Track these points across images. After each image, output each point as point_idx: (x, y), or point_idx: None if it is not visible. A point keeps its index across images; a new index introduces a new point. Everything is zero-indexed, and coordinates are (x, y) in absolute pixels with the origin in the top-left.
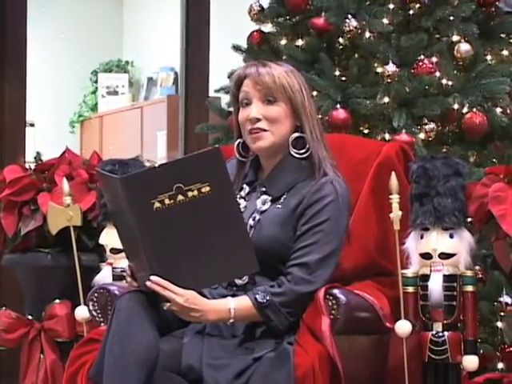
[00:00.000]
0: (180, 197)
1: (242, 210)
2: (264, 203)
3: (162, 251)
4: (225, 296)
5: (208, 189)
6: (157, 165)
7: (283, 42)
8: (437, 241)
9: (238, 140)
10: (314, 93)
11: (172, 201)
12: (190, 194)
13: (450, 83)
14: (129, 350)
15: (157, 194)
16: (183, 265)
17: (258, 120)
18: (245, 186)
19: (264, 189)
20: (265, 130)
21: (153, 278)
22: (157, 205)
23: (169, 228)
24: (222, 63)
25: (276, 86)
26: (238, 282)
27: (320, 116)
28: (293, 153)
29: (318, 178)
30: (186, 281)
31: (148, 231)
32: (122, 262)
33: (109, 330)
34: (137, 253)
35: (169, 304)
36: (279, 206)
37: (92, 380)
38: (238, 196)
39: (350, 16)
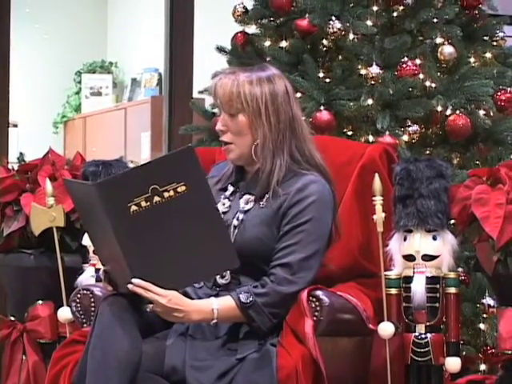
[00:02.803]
0: (156, 198)
1: (226, 209)
2: (247, 203)
3: (141, 253)
4: (210, 295)
5: (184, 188)
6: (130, 167)
7: (267, 43)
8: (420, 243)
9: None
10: (298, 94)
11: (148, 203)
12: (166, 194)
13: (433, 85)
14: (111, 355)
15: (132, 197)
16: (164, 265)
17: (223, 132)
18: (229, 186)
19: (247, 188)
20: (230, 143)
21: (134, 280)
22: (133, 208)
23: (147, 230)
24: (206, 64)
25: (226, 98)
26: (222, 281)
27: (304, 118)
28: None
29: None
30: (167, 281)
31: (126, 235)
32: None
33: (91, 334)
34: (114, 257)
35: (152, 305)
36: (262, 205)
37: None
38: (223, 196)
39: (333, 18)
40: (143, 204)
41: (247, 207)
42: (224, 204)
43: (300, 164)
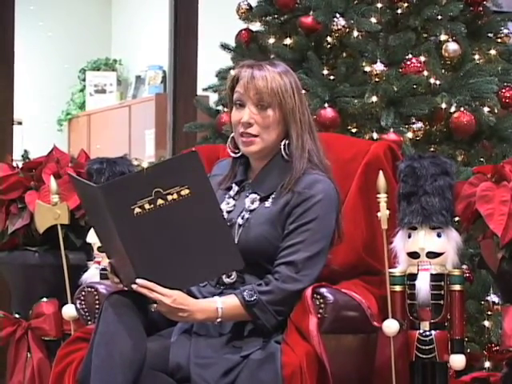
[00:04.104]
0: (160, 201)
1: (231, 209)
2: (253, 202)
3: (145, 254)
4: (213, 294)
5: (187, 191)
6: (135, 171)
7: (271, 40)
8: (424, 240)
9: (232, 135)
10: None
11: (152, 205)
12: (169, 197)
13: (437, 82)
14: (115, 352)
15: (136, 199)
16: (168, 266)
17: (250, 125)
18: (233, 185)
19: (253, 188)
20: (255, 136)
21: (139, 281)
22: (137, 210)
23: (151, 231)
24: (211, 62)
25: (268, 91)
26: (227, 280)
27: None
28: (286, 157)
29: (293, 185)
30: (171, 281)
31: (130, 236)
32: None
33: (96, 331)
34: (119, 253)
35: (156, 305)
36: (268, 205)
37: (80, 383)
38: (227, 196)
39: (338, 15)
40: (147, 206)
41: (253, 207)
42: (228, 203)
43: (313, 165)
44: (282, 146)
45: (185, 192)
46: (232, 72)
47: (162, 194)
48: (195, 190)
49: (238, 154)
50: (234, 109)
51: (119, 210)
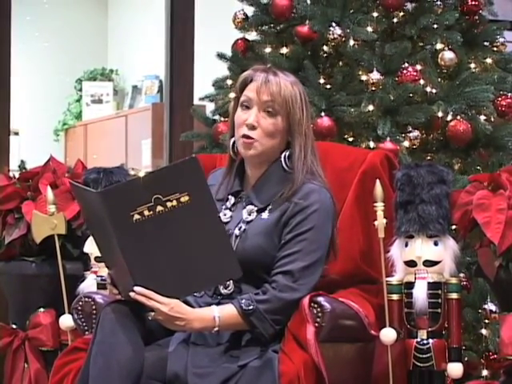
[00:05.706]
0: (159, 207)
1: (228, 220)
2: (250, 213)
3: (143, 261)
4: (210, 304)
5: (187, 198)
6: (134, 177)
7: (267, 49)
8: (421, 248)
9: (233, 139)
10: None
11: (151, 212)
12: (169, 204)
13: (434, 91)
14: (113, 361)
15: (136, 206)
16: (166, 274)
17: (254, 128)
18: (230, 196)
19: (250, 199)
20: (256, 140)
21: (136, 288)
22: (136, 216)
23: (150, 238)
24: (207, 71)
25: (280, 98)
26: (224, 291)
27: None
28: (286, 168)
29: (291, 196)
30: (169, 289)
31: (129, 243)
32: (107, 271)
33: (93, 341)
34: (118, 262)
35: (153, 313)
36: (265, 216)
37: None
38: (224, 207)
39: (334, 24)
40: (146, 213)
41: (250, 218)
42: (225, 214)
43: (311, 175)
44: (283, 157)
45: (184, 199)
46: (244, 73)
47: (162, 200)
48: (195, 196)
49: (237, 160)
50: (240, 110)
51: (118, 215)
